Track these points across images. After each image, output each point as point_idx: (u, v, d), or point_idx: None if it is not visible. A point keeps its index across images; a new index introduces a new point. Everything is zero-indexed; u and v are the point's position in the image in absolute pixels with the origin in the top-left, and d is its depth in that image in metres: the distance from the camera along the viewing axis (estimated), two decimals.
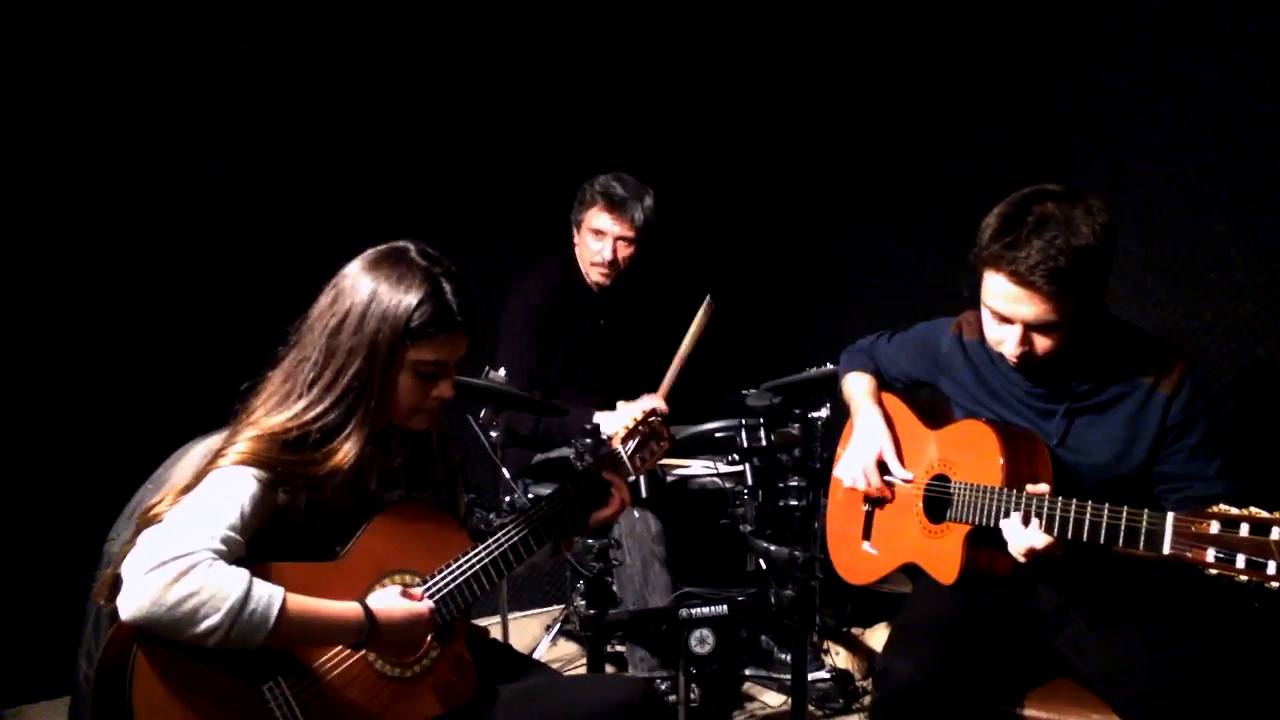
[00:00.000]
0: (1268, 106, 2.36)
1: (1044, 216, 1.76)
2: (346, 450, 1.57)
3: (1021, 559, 1.80)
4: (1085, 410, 1.93)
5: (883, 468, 2.21)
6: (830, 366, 2.78)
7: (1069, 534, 1.71)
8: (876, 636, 3.09)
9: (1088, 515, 1.69)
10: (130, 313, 3.00)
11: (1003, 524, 1.82)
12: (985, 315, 1.91)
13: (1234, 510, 1.49)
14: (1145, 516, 1.61)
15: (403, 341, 1.59)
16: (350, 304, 1.59)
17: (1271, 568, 1.43)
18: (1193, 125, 2.53)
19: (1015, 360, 1.89)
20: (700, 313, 2.93)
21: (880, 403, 2.31)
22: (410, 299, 1.59)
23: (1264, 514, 1.46)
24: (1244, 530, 1.46)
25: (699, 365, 2.99)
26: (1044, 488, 1.79)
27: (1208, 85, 2.49)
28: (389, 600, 1.58)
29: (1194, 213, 2.54)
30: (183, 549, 1.40)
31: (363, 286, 1.60)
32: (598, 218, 3.12)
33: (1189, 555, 1.52)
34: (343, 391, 1.58)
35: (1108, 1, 2.73)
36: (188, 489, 1.52)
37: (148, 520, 1.49)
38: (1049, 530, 1.74)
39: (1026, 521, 1.77)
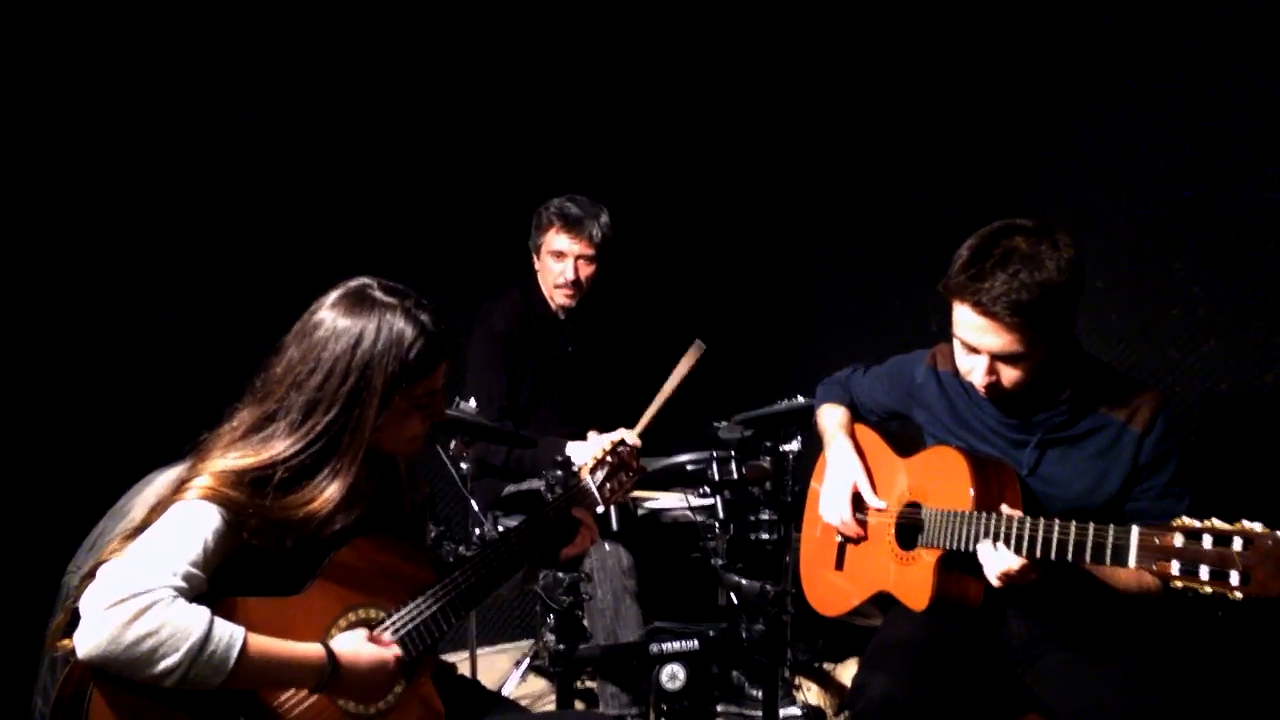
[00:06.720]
0: (1232, 145, 2.40)
1: (1010, 250, 1.80)
2: (328, 495, 1.54)
3: (997, 583, 1.79)
4: (1057, 442, 1.95)
5: (857, 500, 2.21)
6: (801, 399, 2.79)
7: (1038, 552, 1.72)
8: (848, 672, 3.08)
9: (1055, 533, 1.71)
10: (93, 342, 2.95)
11: (978, 549, 1.81)
12: (956, 345, 1.95)
13: (1196, 523, 1.52)
14: (1111, 531, 1.63)
15: (402, 384, 1.58)
16: (329, 353, 1.56)
17: (1234, 578, 1.45)
18: (1157, 163, 2.57)
19: (984, 390, 1.92)
20: (688, 354, 2.92)
21: (853, 434, 2.31)
22: (403, 342, 1.57)
23: (1225, 525, 1.49)
24: (1207, 542, 1.49)
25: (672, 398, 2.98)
26: (1016, 513, 1.79)
27: (1173, 122, 2.53)
28: (354, 644, 1.56)
29: (1157, 250, 2.57)
30: (142, 585, 1.37)
31: (341, 335, 1.57)
32: (556, 239, 3.11)
33: (1154, 569, 1.55)
34: (315, 437, 1.55)
35: (1075, 37, 2.78)
36: (144, 525, 1.48)
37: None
38: (1019, 551, 1.75)
39: (996, 543, 1.78)
